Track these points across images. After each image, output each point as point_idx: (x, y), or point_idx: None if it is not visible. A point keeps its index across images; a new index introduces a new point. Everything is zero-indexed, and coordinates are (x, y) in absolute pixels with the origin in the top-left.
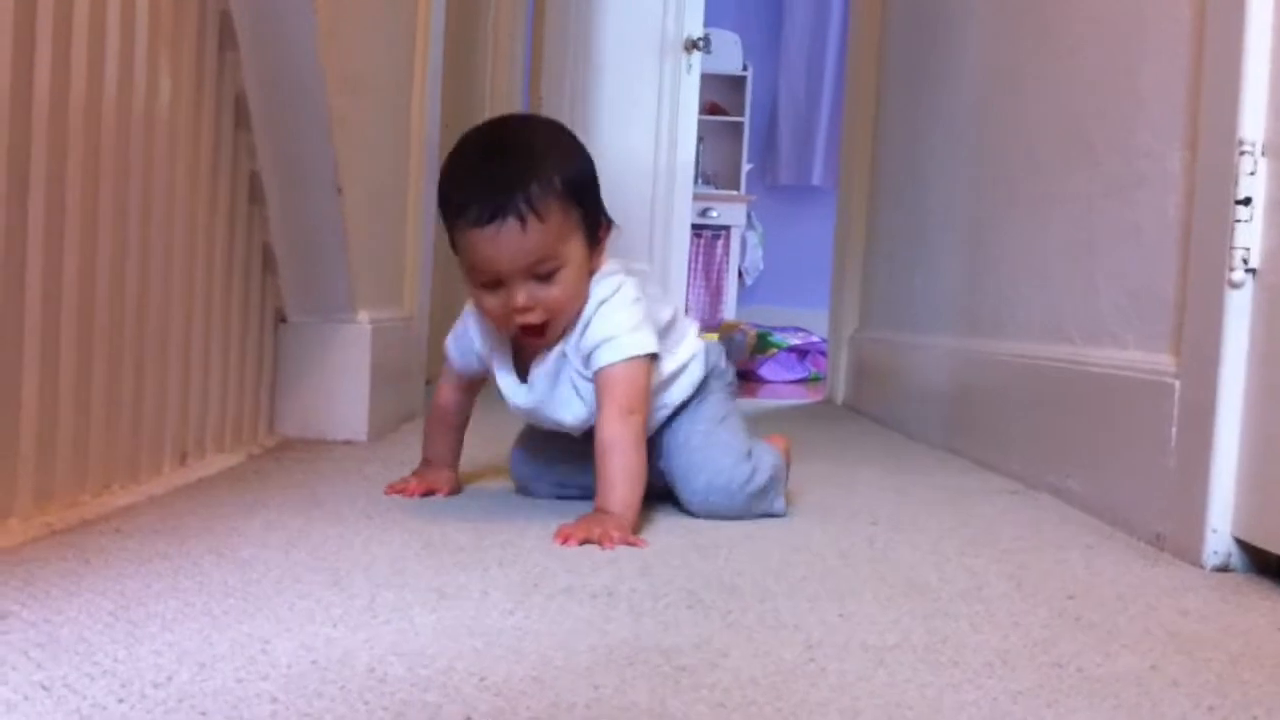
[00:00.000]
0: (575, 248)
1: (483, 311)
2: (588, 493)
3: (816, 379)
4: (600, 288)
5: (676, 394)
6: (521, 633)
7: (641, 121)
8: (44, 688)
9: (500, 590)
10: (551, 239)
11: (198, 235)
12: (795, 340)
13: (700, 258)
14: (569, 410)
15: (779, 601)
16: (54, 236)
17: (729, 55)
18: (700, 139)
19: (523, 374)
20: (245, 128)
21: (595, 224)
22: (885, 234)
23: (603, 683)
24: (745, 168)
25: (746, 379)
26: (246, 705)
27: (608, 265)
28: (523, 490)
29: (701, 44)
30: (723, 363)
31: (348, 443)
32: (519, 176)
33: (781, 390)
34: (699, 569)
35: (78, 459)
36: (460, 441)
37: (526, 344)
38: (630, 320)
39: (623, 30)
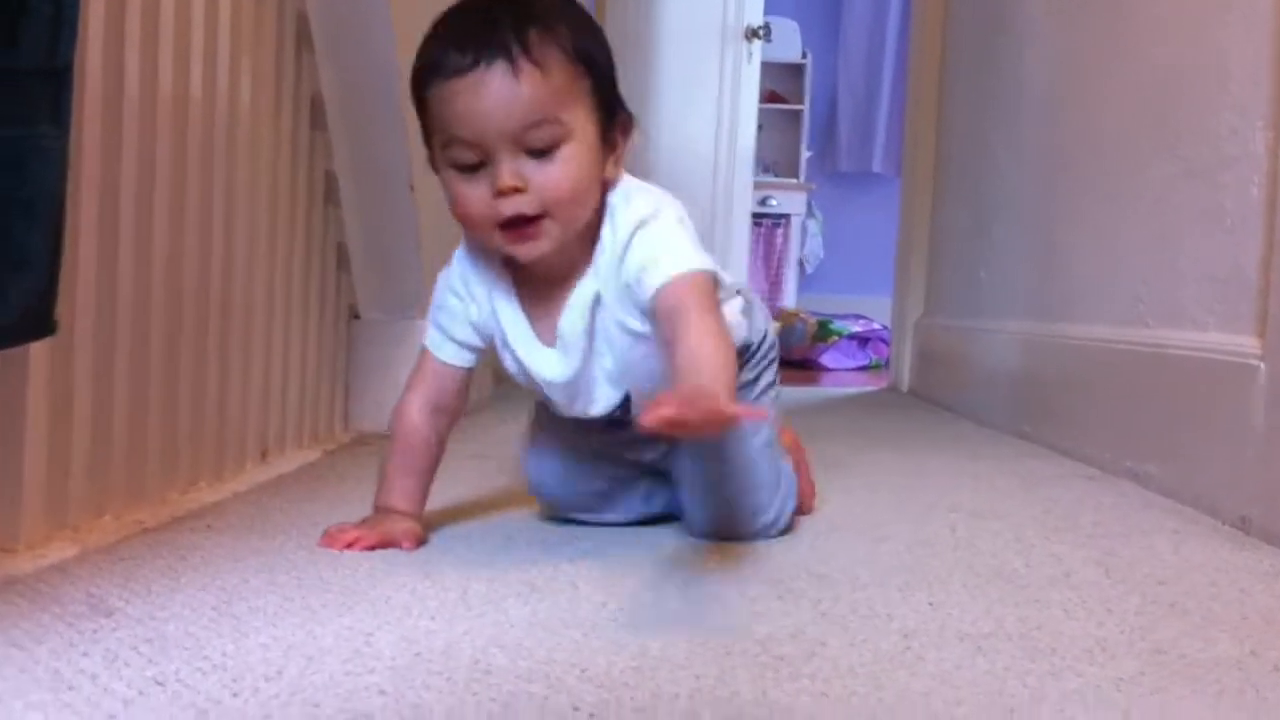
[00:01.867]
0: (584, 121)
1: (461, 214)
2: (650, 516)
3: (878, 366)
4: (636, 203)
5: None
6: (616, 624)
7: (702, 110)
8: (158, 683)
9: (588, 582)
10: (551, 95)
11: (276, 234)
12: (856, 327)
13: (760, 246)
14: (602, 380)
15: (869, 591)
16: (144, 236)
17: (788, 43)
18: (759, 127)
19: (541, 335)
20: (321, 128)
21: (611, 109)
22: (950, 219)
23: (703, 673)
24: (805, 155)
25: (808, 367)
26: (357, 697)
27: (631, 183)
28: (553, 509)
29: (762, 32)
30: (771, 335)
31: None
32: (514, 19)
33: (844, 378)
34: (783, 560)
35: (166, 457)
36: (428, 485)
37: (521, 256)
38: (684, 240)
39: (683, 19)
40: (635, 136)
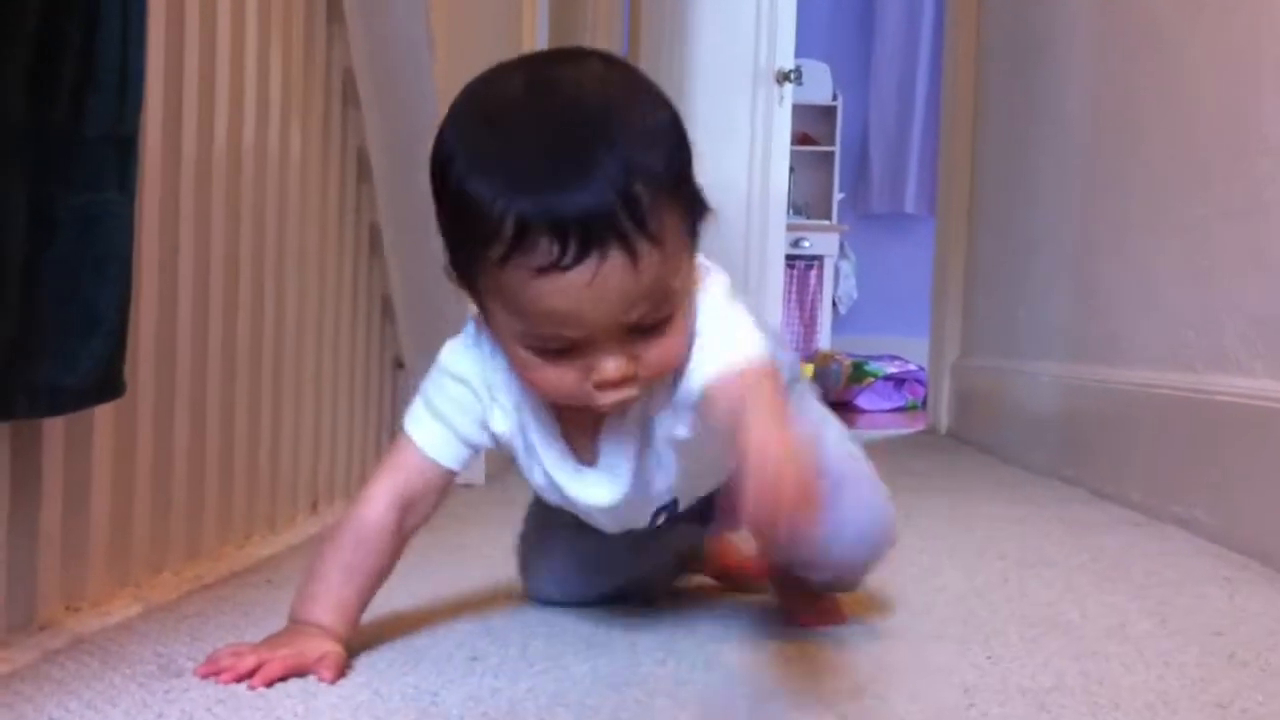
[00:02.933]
0: (687, 272)
1: (538, 389)
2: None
3: (915, 407)
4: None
5: None
6: (677, 680)
7: (734, 154)
8: None
9: (647, 638)
10: (670, 264)
11: (325, 286)
12: (892, 369)
13: (794, 288)
14: (654, 498)
15: (926, 644)
16: (200, 294)
17: (819, 85)
18: (791, 169)
19: (581, 454)
20: (366, 181)
21: (697, 220)
22: (987, 260)
23: None
24: (837, 197)
25: (844, 409)
26: None
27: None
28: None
29: (793, 75)
30: (795, 359)
31: (467, 486)
32: (610, 168)
33: (880, 420)
34: None
35: (222, 512)
36: (368, 599)
37: (602, 407)
38: (733, 320)
39: (715, 63)
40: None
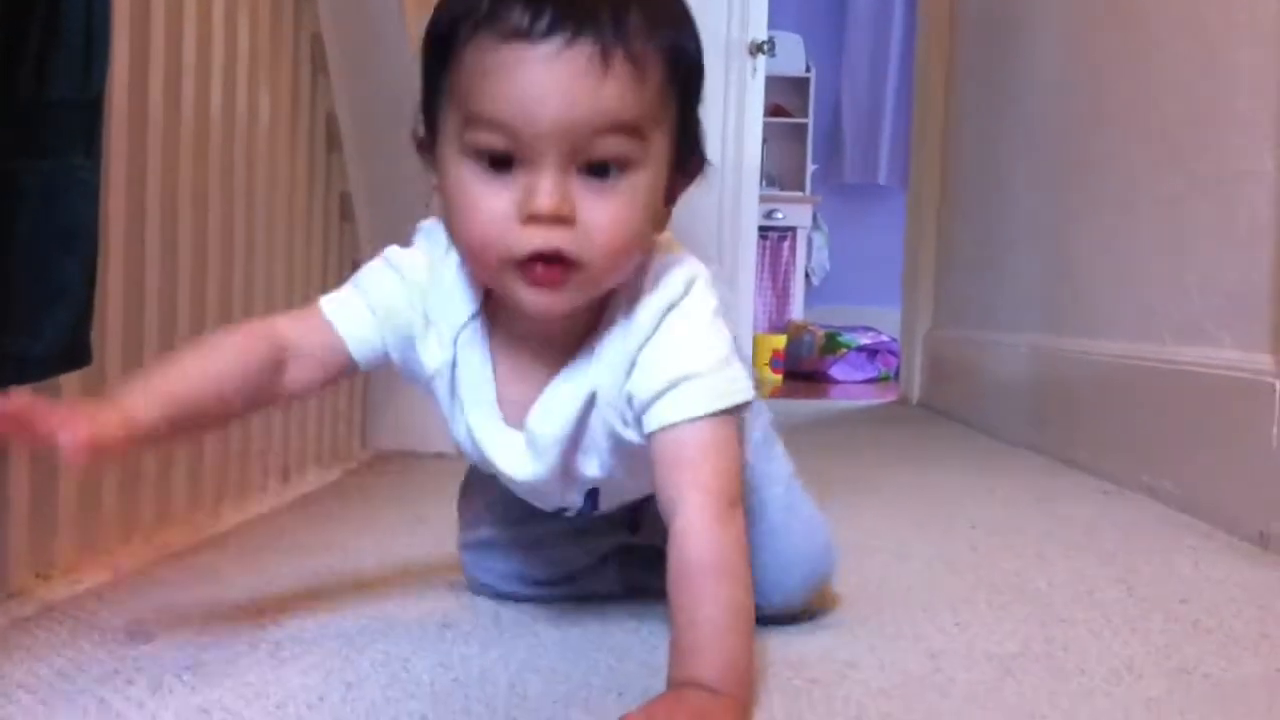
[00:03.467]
0: (661, 150)
1: (466, 232)
2: (589, 588)
3: (887, 378)
4: (666, 280)
5: None
6: (649, 646)
7: (707, 126)
8: (204, 710)
9: (617, 609)
10: (639, 104)
11: (294, 254)
12: (865, 340)
13: (766, 259)
14: (578, 487)
15: (894, 611)
16: (169, 262)
17: (792, 57)
18: (764, 141)
19: (507, 414)
20: (337, 149)
21: (689, 148)
22: (958, 231)
23: None
24: (810, 169)
25: (817, 379)
26: None
27: (665, 238)
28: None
29: (766, 47)
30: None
31: (439, 455)
32: None
33: (852, 390)
34: None
35: (193, 480)
36: (196, 408)
37: (533, 308)
38: (716, 347)
39: None
40: (698, 183)
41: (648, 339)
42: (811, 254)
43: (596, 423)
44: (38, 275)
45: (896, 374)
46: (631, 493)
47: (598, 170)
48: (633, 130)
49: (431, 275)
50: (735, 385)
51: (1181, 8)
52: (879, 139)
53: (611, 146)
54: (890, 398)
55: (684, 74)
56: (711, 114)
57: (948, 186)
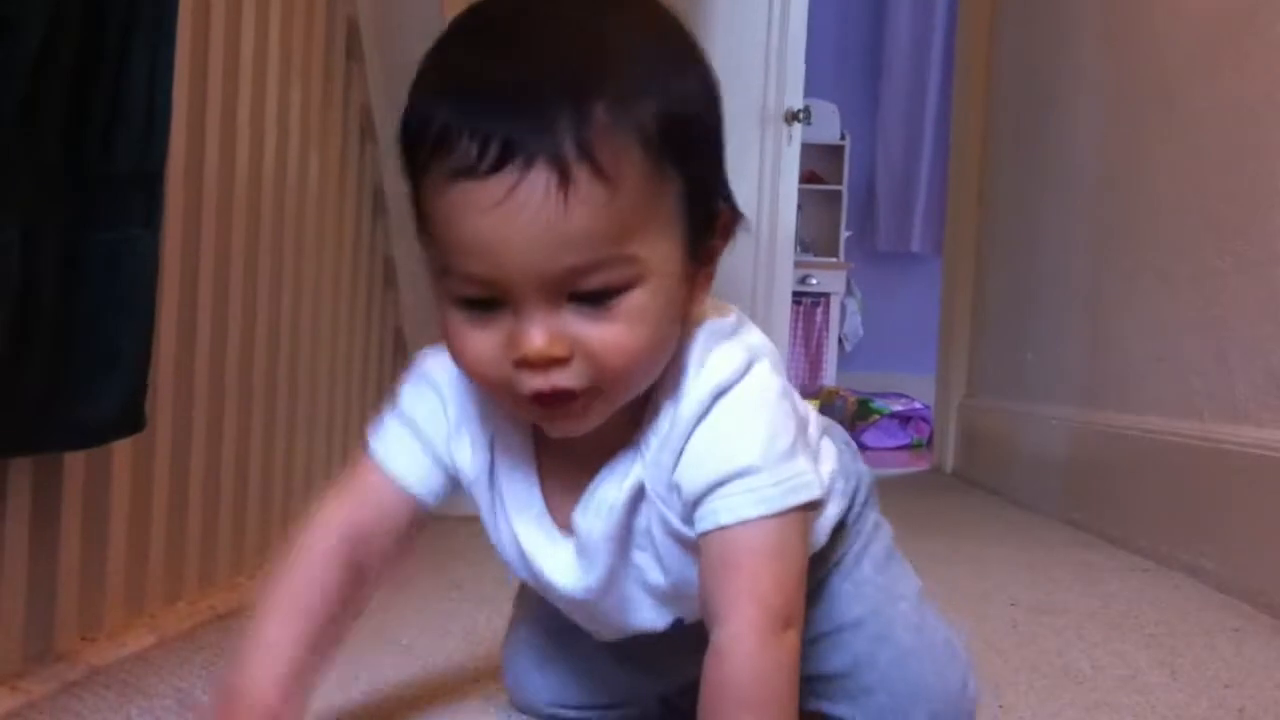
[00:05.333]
0: (667, 247)
1: (461, 362)
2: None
3: (920, 445)
4: (714, 359)
5: (820, 535)
6: None
7: (743, 193)
8: None
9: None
10: (619, 223)
11: (338, 320)
12: (897, 406)
13: (800, 325)
14: (644, 599)
15: None
16: (219, 328)
17: (827, 125)
18: (799, 207)
19: (555, 514)
20: (382, 215)
21: (710, 209)
22: (994, 300)
23: None
24: (844, 235)
25: None
26: None
27: (717, 310)
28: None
29: (803, 115)
30: (865, 472)
31: (471, 518)
32: (569, 82)
33: (885, 457)
34: None
35: (236, 541)
36: (323, 652)
37: (552, 433)
38: (776, 437)
39: (724, 104)
40: (736, 235)
41: (694, 427)
42: (845, 320)
43: (647, 518)
44: (96, 343)
45: (929, 441)
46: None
47: (592, 299)
48: (617, 256)
49: (455, 375)
50: (800, 481)
51: (1224, 85)
52: (913, 206)
53: (597, 280)
54: (923, 466)
55: (679, 136)
56: (747, 181)
57: (983, 255)
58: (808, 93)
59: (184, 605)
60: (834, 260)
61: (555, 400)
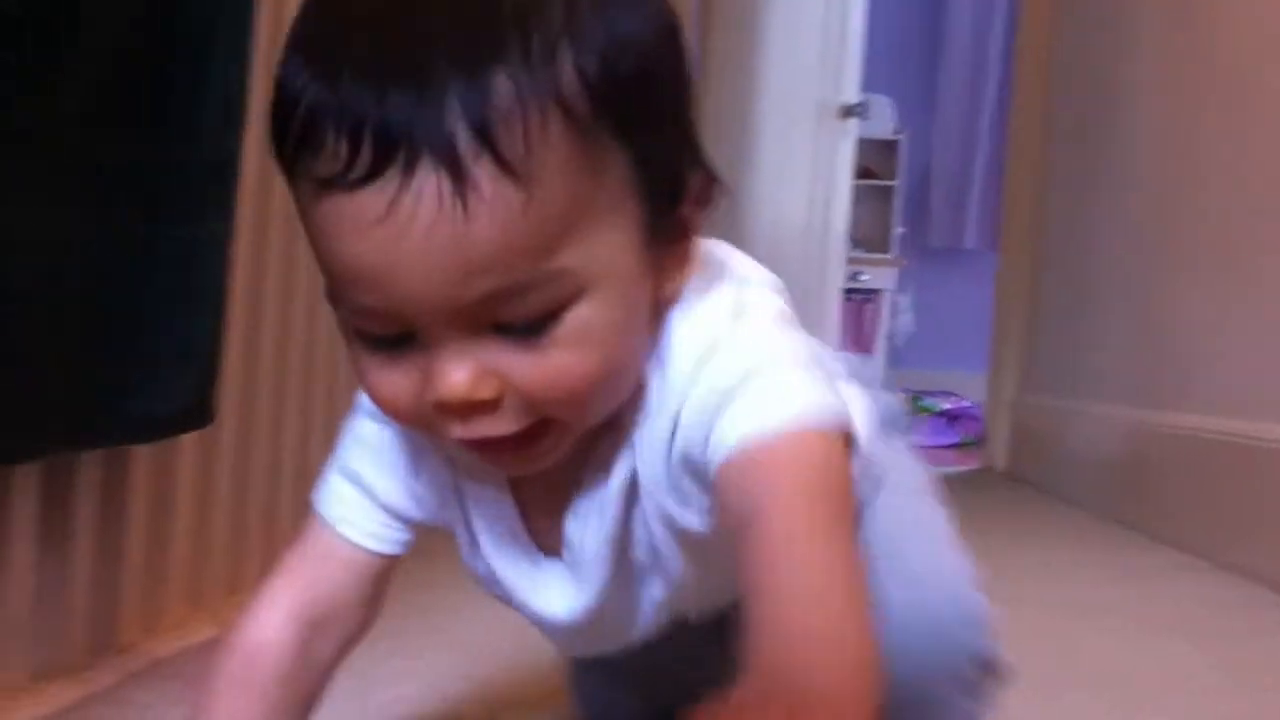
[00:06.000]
0: (614, 241)
1: (374, 403)
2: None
3: (969, 444)
4: (700, 315)
5: None
6: None
7: (796, 189)
8: None
9: None
10: (545, 226)
11: None
12: (946, 404)
13: (850, 321)
14: (644, 609)
15: None
16: (285, 323)
17: (882, 120)
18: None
19: (539, 536)
20: None
21: (673, 178)
22: (1049, 297)
23: None
24: (896, 231)
25: None
26: None
27: (704, 273)
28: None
29: (858, 110)
30: (900, 413)
31: None
32: (459, 46)
33: (933, 456)
34: None
35: (269, 550)
36: None
37: (506, 472)
38: (784, 348)
39: (780, 99)
40: (720, 208)
41: (688, 393)
42: (896, 316)
43: (644, 512)
44: (167, 337)
45: (978, 440)
46: (724, 597)
47: (517, 328)
48: (546, 273)
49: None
50: (824, 392)
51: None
52: (968, 202)
53: (524, 308)
54: (972, 464)
55: (617, 97)
56: (801, 177)
57: (1040, 251)
58: (863, 87)
59: (244, 598)
60: (886, 256)
61: (493, 446)
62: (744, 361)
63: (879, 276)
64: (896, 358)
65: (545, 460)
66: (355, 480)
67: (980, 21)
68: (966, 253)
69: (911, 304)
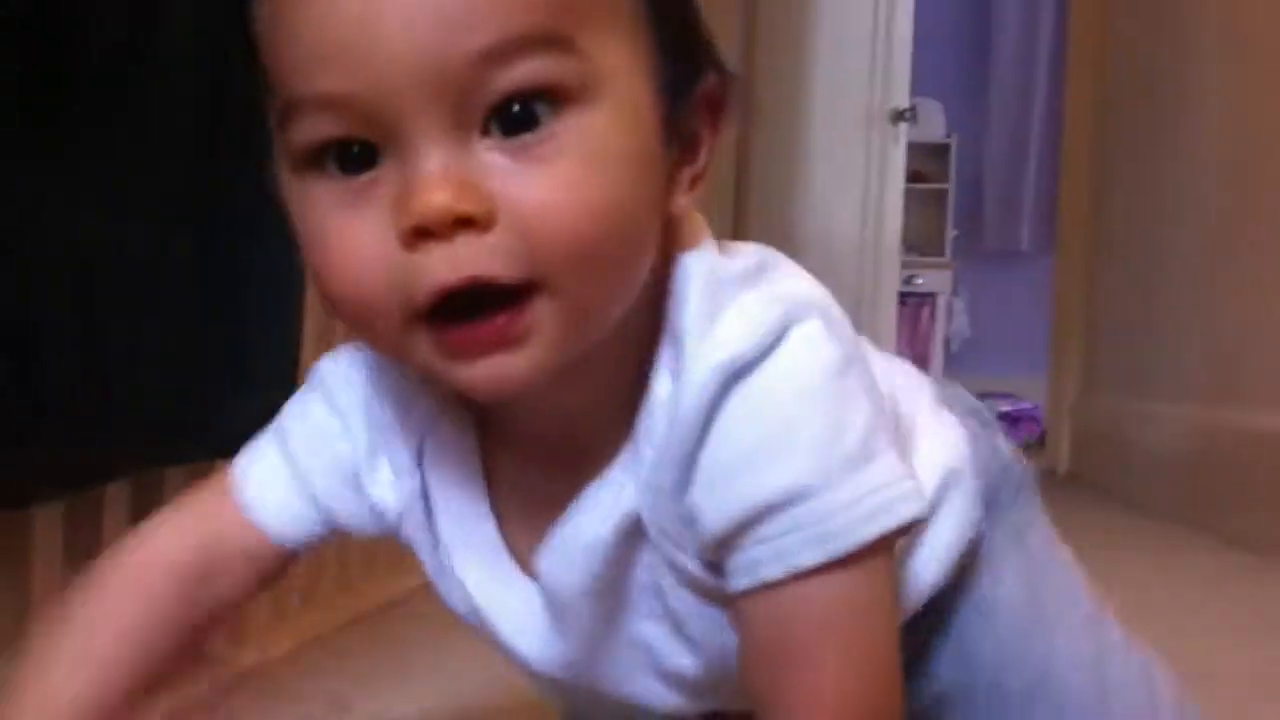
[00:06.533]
0: (626, 54)
1: (328, 279)
2: None
3: (1030, 446)
4: (728, 320)
5: (925, 574)
6: None
7: (848, 195)
8: None
9: None
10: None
11: None
12: (1005, 407)
13: (905, 325)
14: (665, 691)
15: None
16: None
17: (932, 123)
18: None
19: (520, 555)
20: None
21: (686, 47)
22: (1109, 298)
23: None
24: (950, 234)
25: None
26: None
27: (725, 249)
28: None
29: (908, 115)
30: (1011, 466)
31: None
32: None
33: None
34: None
35: (369, 547)
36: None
37: (481, 388)
38: (840, 431)
39: (830, 104)
40: (732, 123)
41: (703, 428)
42: (951, 320)
43: (651, 568)
44: (256, 355)
45: (1039, 442)
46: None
47: (515, 120)
48: (552, 32)
49: (376, 388)
50: (884, 496)
51: None
52: (1021, 204)
53: (524, 74)
54: (1035, 467)
55: None
56: (853, 183)
57: (1097, 251)
58: (913, 91)
59: (321, 609)
60: (940, 260)
61: (476, 312)
62: (788, 463)
63: (933, 280)
64: (952, 361)
65: (534, 369)
66: (290, 459)
67: (1027, 21)
68: (1021, 254)
69: (966, 307)
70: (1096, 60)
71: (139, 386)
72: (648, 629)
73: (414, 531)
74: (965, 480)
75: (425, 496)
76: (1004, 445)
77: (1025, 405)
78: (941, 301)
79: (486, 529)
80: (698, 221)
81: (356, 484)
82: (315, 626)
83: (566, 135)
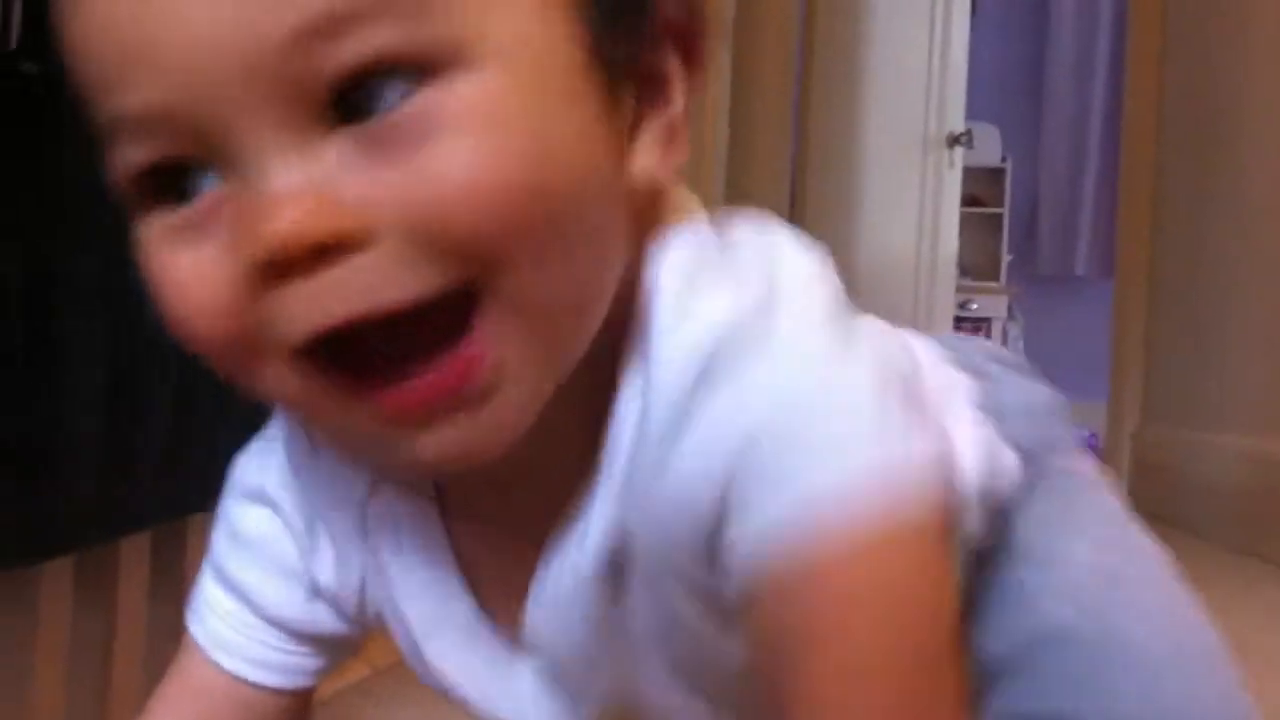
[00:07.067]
0: (521, 13)
1: (172, 318)
2: None
3: None
4: (708, 284)
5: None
6: None
7: (903, 219)
8: None
9: None
10: None
11: None
12: None
13: None
14: (701, 700)
15: None
16: None
17: (988, 148)
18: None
19: (504, 626)
20: None
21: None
22: (1170, 326)
23: None
24: (1005, 259)
25: None
26: None
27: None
28: None
29: (964, 139)
30: (1053, 424)
31: None
32: None
33: None
34: None
35: None
36: None
37: (426, 463)
38: (846, 371)
39: (885, 129)
40: (703, 77)
41: (685, 413)
42: (1007, 345)
43: (655, 598)
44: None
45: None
46: None
47: (363, 105)
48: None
49: (297, 463)
50: (912, 446)
51: None
52: (1077, 229)
53: (365, 44)
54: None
55: None
56: (908, 207)
57: (1157, 277)
58: (968, 115)
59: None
60: (995, 284)
61: (396, 343)
62: (779, 382)
63: (988, 305)
64: None
65: (516, 411)
66: (237, 590)
67: (1083, 46)
68: (1077, 279)
69: (1021, 332)
70: (1154, 83)
71: (176, 436)
72: (647, 669)
73: (378, 608)
74: (1002, 459)
75: (382, 571)
76: (1025, 386)
77: (1082, 433)
78: (996, 326)
79: (462, 607)
80: (684, 197)
81: (309, 579)
82: (385, 656)
83: (442, 109)
